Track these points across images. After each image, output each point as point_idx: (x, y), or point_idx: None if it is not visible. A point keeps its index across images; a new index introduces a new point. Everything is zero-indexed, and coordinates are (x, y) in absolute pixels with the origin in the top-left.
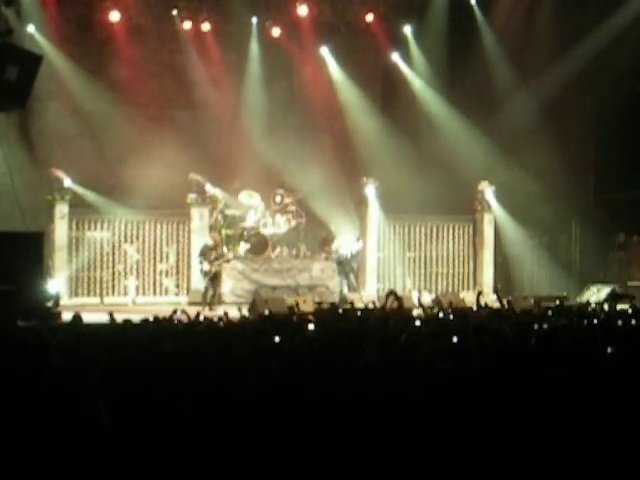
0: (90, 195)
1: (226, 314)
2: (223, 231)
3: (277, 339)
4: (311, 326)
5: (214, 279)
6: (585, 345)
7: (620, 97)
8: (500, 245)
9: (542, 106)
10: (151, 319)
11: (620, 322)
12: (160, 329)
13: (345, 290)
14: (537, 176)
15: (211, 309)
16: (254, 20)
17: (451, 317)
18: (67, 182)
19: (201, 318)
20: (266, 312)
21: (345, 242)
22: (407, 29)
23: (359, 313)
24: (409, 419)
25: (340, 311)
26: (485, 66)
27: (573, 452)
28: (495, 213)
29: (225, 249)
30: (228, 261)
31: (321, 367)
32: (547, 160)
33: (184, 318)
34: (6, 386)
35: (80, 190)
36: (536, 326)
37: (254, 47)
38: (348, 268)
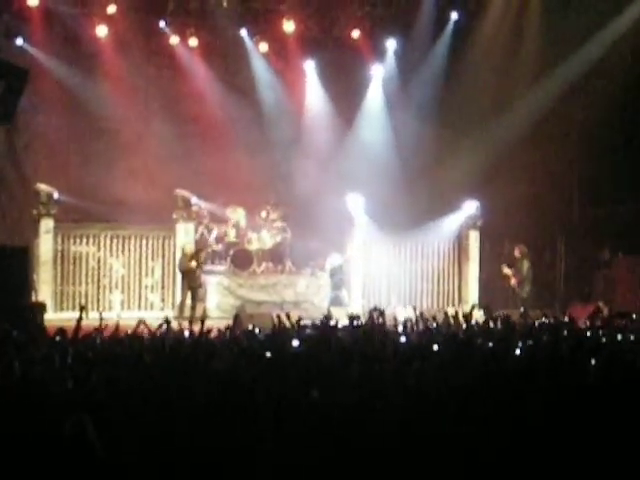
0: (79, 204)
1: (209, 330)
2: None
3: (264, 354)
4: (295, 342)
5: (192, 290)
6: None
7: (605, 113)
8: (484, 262)
9: (527, 123)
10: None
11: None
12: (140, 343)
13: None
14: (522, 192)
15: (191, 323)
16: (242, 34)
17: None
18: (55, 195)
19: (186, 334)
20: (250, 327)
21: (336, 256)
22: (392, 44)
23: (343, 329)
24: (399, 433)
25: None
26: (470, 82)
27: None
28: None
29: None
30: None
31: (306, 385)
32: (532, 177)
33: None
34: None
35: (69, 200)
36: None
37: (242, 61)
38: (339, 282)
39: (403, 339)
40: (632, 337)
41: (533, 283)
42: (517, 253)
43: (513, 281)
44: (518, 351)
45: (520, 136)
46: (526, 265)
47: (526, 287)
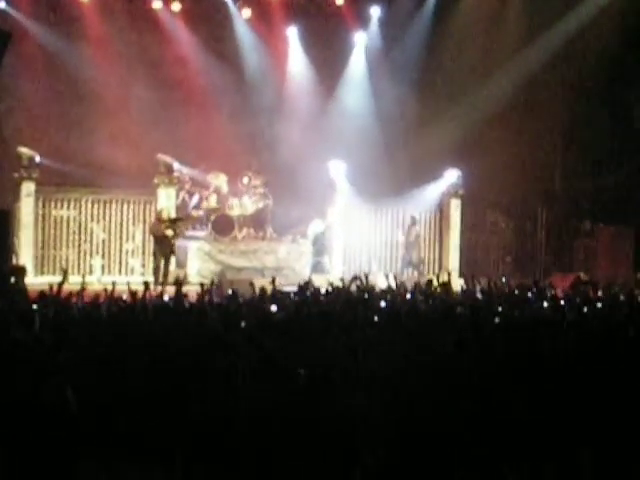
0: (61, 168)
1: (185, 295)
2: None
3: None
4: (274, 308)
5: (164, 256)
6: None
7: (588, 83)
8: (466, 231)
9: (511, 92)
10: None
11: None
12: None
13: (311, 272)
14: (505, 162)
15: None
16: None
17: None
18: (37, 159)
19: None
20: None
21: (318, 223)
22: (375, 11)
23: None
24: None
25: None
26: (453, 50)
27: None
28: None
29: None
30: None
31: (287, 352)
32: (514, 146)
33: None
34: None
35: (50, 163)
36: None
37: (225, 26)
38: (321, 248)
39: (383, 304)
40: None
41: (515, 252)
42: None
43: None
44: (497, 319)
45: (503, 105)
46: (414, 232)
47: (414, 252)
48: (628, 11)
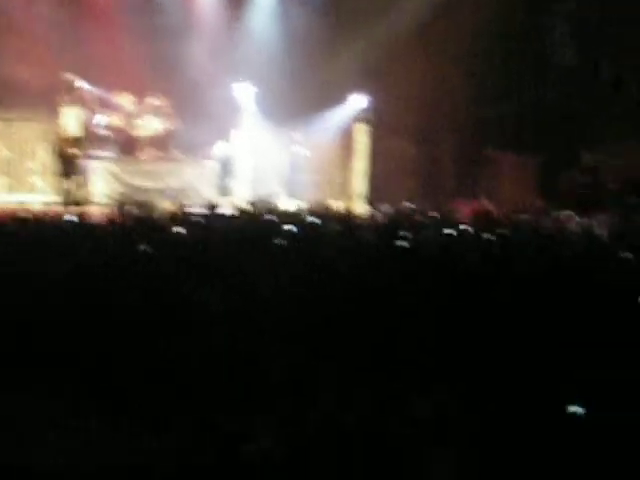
0: None
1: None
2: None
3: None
4: (181, 229)
5: (70, 174)
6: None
7: (500, 11)
8: (372, 156)
9: (422, 17)
10: None
11: None
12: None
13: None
14: (412, 88)
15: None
16: None
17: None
18: None
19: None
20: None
21: (223, 145)
22: None
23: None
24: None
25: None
26: None
27: None
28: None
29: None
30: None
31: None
32: (422, 73)
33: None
34: None
35: None
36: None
37: None
38: (224, 171)
39: (291, 228)
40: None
41: (421, 178)
42: None
43: None
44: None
45: (412, 30)
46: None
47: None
48: None
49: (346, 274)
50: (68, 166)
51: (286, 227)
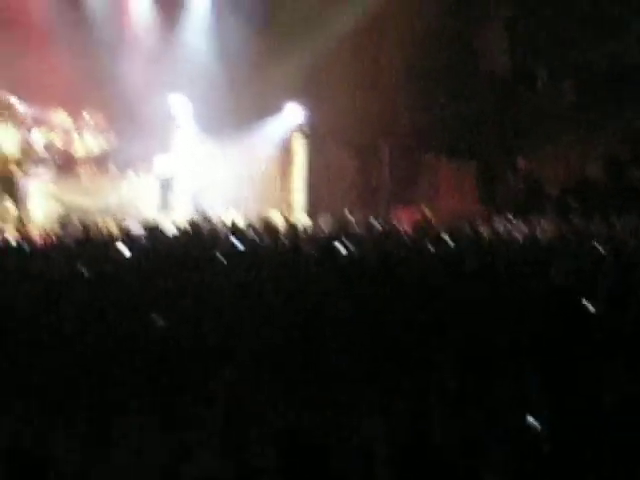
0: None
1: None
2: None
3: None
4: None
5: (11, 196)
6: None
7: (440, 11)
8: (310, 166)
9: (355, 23)
10: None
11: None
12: None
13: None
14: (348, 96)
15: (19, 230)
16: None
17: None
18: None
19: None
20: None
21: (163, 159)
22: None
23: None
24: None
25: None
26: None
27: None
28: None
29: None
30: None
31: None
32: (358, 80)
33: None
34: None
35: None
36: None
37: None
38: (165, 187)
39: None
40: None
41: (360, 187)
42: None
43: None
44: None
45: (348, 36)
46: None
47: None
48: None
49: (290, 292)
50: (6, 187)
51: (229, 244)
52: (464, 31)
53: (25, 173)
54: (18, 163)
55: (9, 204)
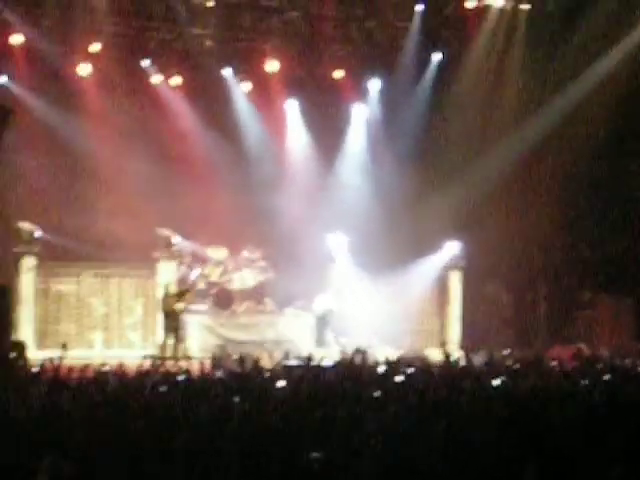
0: (61, 242)
1: (188, 371)
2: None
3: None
4: (281, 383)
5: (174, 331)
6: None
7: (590, 157)
8: (466, 302)
9: (510, 164)
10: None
11: None
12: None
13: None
14: (505, 234)
15: (176, 362)
16: (225, 73)
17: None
18: (38, 234)
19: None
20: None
21: (324, 297)
22: (375, 84)
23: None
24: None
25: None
26: (453, 122)
27: None
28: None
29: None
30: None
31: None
32: (515, 218)
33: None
34: None
35: (51, 238)
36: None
37: (224, 100)
38: (322, 324)
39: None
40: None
41: (515, 324)
42: None
43: None
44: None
45: (503, 177)
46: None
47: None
48: (629, 80)
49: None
50: (173, 321)
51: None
52: (617, 166)
53: (186, 308)
54: (180, 299)
55: (172, 338)
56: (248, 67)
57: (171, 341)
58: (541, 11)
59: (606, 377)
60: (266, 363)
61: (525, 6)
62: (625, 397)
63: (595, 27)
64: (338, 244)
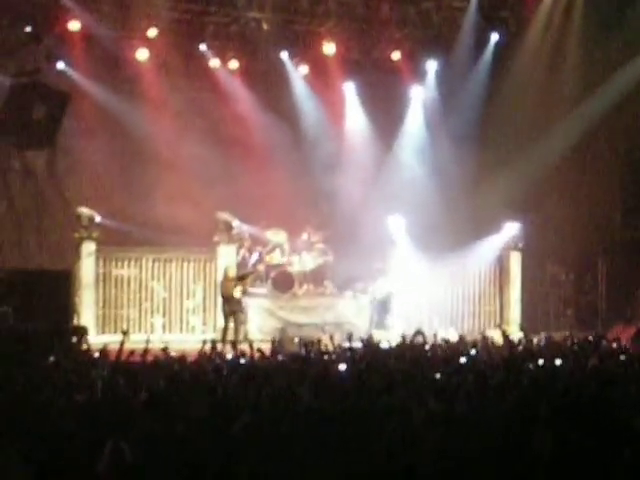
0: (121, 227)
1: (259, 350)
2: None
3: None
4: (342, 366)
5: (234, 315)
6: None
7: None
8: (526, 283)
9: (569, 144)
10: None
11: None
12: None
13: (372, 328)
14: (564, 214)
15: (234, 346)
16: (282, 56)
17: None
18: (97, 219)
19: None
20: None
21: (384, 281)
22: (432, 65)
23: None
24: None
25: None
26: (512, 103)
27: None
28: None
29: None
30: (245, 291)
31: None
32: (573, 198)
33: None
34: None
35: (110, 224)
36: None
37: (282, 84)
38: (383, 307)
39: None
40: None
41: (576, 305)
42: None
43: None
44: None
45: (562, 157)
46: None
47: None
48: None
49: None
50: (233, 305)
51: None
52: None
53: (246, 292)
54: (240, 283)
55: (233, 322)
56: (305, 50)
57: (232, 325)
58: None
59: None
60: (327, 345)
61: None
62: None
63: None
64: (397, 226)
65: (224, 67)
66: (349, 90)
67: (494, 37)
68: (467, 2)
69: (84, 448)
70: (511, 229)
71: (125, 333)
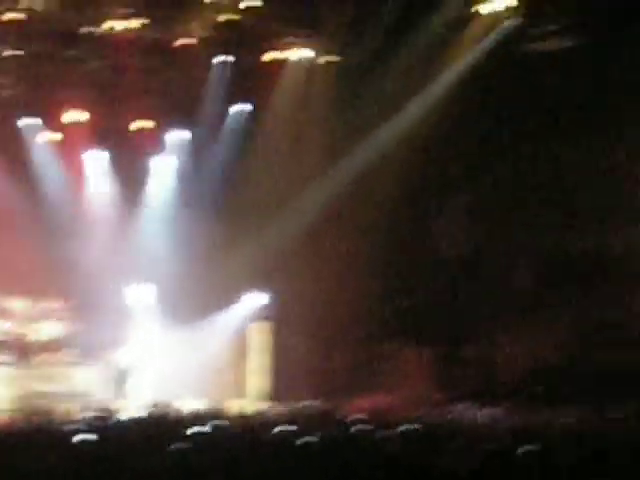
0: None
1: None
2: None
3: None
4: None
5: None
6: None
7: (393, 207)
8: (274, 352)
9: (318, 212)
10: None
11: None
12: None
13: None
14: (311, 285)
15: None
16: (23, 123)
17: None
18: None
19: None
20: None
21: (125, 348)
22: (177, 135)
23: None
24: None
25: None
26: (258, 171)
27: None
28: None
29: None
30: None
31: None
32: (322, 269)
33: None
34: None
35: None
36: None
37: (24, 151)
38: (123, 376)
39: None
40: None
41: (317, 375)
42: None
43: None
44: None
45: (310, 227)
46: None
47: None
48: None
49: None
50: None
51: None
52: (417, 221)
53: None
54: None
55: None
56: (50, 117)
57: None
58: (345, 62)
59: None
60: (64, 415)
61: (327, 57)
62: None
63: (396, 78)
64: (141, 295)
65: None
66: (94, 157)
67: (239, 107)
68: (210, 72)
69: None
70: (254, 299)
71: None
